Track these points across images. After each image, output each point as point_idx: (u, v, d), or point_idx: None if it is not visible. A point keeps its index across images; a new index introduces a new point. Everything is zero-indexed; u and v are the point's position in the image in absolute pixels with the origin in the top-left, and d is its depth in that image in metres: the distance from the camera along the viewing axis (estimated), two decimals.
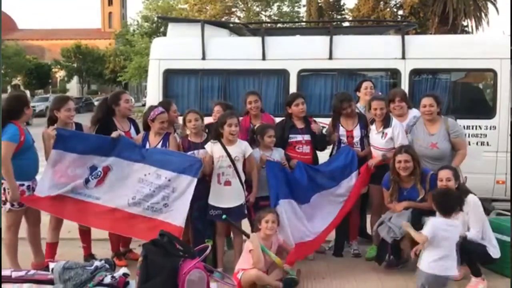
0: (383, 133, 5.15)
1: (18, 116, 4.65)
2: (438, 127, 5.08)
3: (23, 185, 4.64)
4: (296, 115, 5.34)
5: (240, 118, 5.23)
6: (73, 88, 61.77)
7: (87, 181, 4.81)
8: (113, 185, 4.81)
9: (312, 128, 5.33)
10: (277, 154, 5.14)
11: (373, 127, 5.27)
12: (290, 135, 5.32)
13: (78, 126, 5.13)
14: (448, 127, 5.06)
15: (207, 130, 5.16)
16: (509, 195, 6.53)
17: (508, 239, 4.76)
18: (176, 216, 4.60)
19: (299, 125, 5.37)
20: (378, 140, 5.19)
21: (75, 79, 61.94)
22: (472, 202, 4.53)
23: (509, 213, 5.82)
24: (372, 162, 5.17)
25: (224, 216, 4.64)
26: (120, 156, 4.84)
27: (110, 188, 4.81)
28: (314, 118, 5.55)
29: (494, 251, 4.53)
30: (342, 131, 5.42)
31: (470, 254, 4.45)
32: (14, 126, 4.56)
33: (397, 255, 4.82)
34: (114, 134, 4.90)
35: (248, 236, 4.56)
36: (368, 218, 5.76)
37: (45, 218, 5.11)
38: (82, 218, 4.86)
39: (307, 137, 5.35)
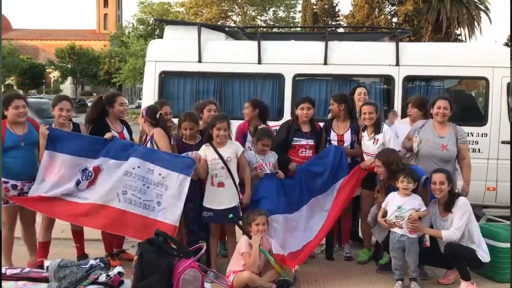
0: (374, 139, 5.18)
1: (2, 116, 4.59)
2: (448, 131, 5.14)
3: (7, 182, 4.58)
4: (300, 118, 5.38)
5: (240, 122, 5.26)
6: (67, 89, 61.40)
7: (78, 182, 4.73)
8: (103, 184, 4.73)
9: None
10: (272, 158, 5.19)
11: (365, 134, 5.29)
12: (295, 138, 5.33)
13: (76, 126, 5.06)
14: (457, 132, 5.14)
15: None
16: (500, 202, 6.62)
17: (499, 244, 4.82)
18: (169, 214, 4.55)
19: (305, 129, 5.38)
20: (370, 146, 5.21)
21: (69, 80, 61.65)
22: (461, 202, 4.61)
23: (499, 219, 5.91)
24: (364, 164, 5.19)
25: (230, 215, 4.65)
26: (110, 156, 4.77)
27: (100, 188, 4.73)
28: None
29: (484, 255, 4.58)
30: (333, 135, 5.45)
31: (459, 258, 4.52)
32: None
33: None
34: (107, 135, 4.86)
35: (250, 237, 4.56)
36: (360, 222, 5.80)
37: (38, 217, 5.08)
38: (74, 218, 4.79)
39: (311, 142, 5.37)
